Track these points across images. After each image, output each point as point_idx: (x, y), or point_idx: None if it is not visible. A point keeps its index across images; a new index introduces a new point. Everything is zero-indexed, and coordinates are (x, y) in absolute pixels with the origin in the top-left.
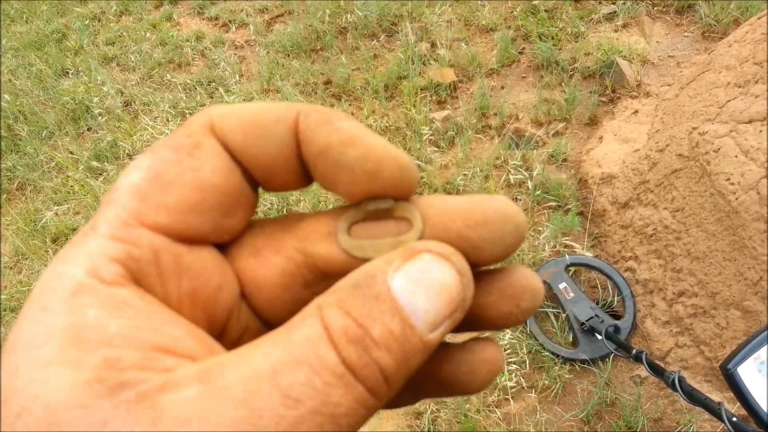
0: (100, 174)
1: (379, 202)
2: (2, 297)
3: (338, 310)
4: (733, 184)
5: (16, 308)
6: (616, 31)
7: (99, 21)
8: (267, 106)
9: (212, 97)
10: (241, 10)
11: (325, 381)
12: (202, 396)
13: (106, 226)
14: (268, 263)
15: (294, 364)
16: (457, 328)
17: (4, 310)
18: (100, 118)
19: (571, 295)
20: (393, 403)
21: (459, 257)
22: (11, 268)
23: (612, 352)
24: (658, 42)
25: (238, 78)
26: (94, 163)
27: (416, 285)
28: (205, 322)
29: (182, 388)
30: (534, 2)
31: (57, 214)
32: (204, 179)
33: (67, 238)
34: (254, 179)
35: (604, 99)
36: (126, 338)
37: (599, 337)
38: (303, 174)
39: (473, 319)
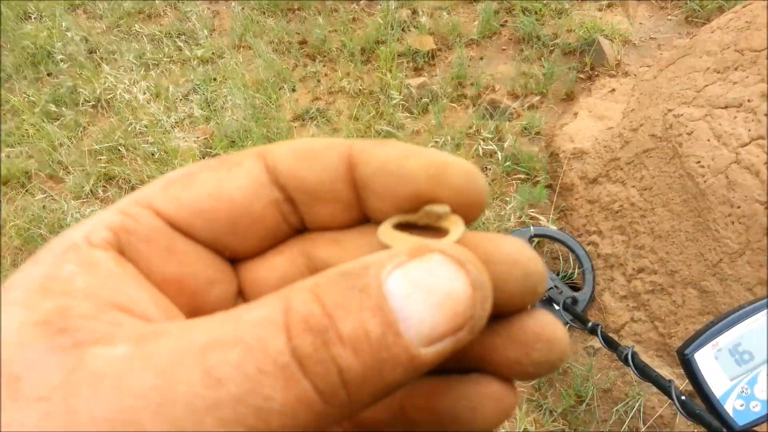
0: (57, 119)
1: (435, 206)
2: None
3: (309, 295)
4: (702, 167)
5: None
6: (600, 10)
7: None
8: (322, 139)
9: (180, 50)
10: None
11: (259, 367)
12: (127, 357)
13: (122, 202)
14: (269, 264)
15: (230, 342)
16: (460, 366)
17: None
18: (61, 63)
19: None
20: None
21: (477, 266)
22: None
23: (568, 323)
24: (641, 23)
25: (208, 32)
26: (52, 107)
27: (416, 288)
28: (190, 312)
29: (113, 345)
30: None
31: (9, 156)
32: (223, 191)
33: (18, 181)
34: (297, 211)
35: (582, 76)
36: (87, 293)
37: (557, 307)
38: (349, 205)
39: (477, 359)
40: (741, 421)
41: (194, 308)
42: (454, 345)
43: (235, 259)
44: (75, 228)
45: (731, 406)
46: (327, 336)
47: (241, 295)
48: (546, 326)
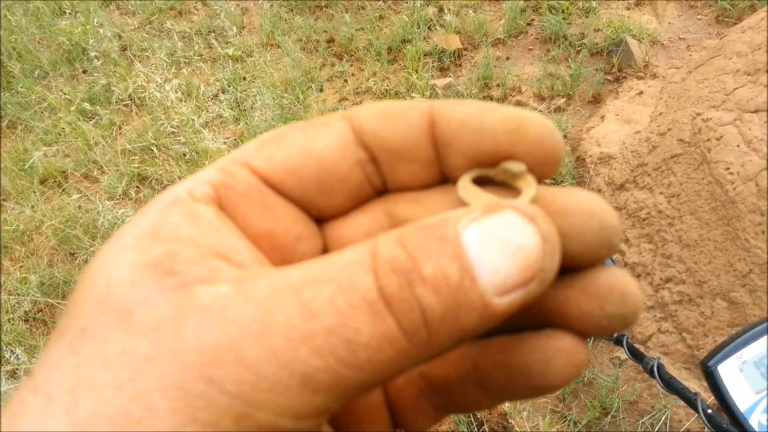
0: (92, 117)
1: (512, 164)
2: None
3: (394, 241)
4: (732, 173)
5: None
6: (628, 8)
7: None
8: (405, 101)
9: (210, 48)
10: None
11: (349, 303)
12: (230, 294)
13: (221, 161)
14: (354, 222)
15: (324, 280)
16: (533, 323)
17: None
18: (95, 60)
19: None
20: (469, 405)
21: (546, 221)
22: None
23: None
24: (670, 23)
25: (237, 30)
26: (87, 106)
27: (490, 239)
28: (280, 265)
29: (217, 284)
30: None
31: (46, 155)
32: (312, 150)
33: (55, 180)
34: (380, 171)
35: (609, 77)
36: (191, 240)
37: None
38: (429, 164)
39: (551, 314)
40: None
41: (283, 262)
42: (524, 296)
43: (320, 220)
44: (178, 185)
45: (756, 421)
46: (411, 277)
47: (326, 252)
48: (619, 279)
